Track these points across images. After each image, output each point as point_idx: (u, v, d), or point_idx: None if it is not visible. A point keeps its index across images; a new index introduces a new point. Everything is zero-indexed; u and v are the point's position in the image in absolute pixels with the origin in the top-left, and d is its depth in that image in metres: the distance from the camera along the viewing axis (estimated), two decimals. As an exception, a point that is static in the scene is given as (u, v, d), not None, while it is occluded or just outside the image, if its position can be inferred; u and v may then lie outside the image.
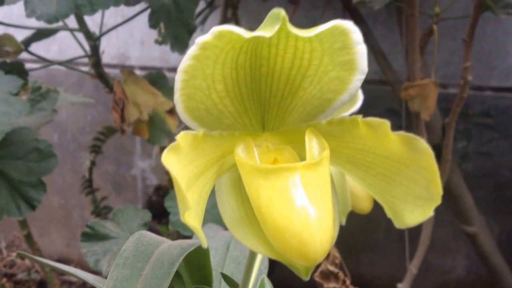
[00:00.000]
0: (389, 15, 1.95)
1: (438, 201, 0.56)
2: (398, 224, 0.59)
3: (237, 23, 1.88)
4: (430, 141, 1.72)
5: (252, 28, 0.52)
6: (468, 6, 1.48)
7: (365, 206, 1.16)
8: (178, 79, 0.54)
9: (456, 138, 1.88)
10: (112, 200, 2.17)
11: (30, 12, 1.24)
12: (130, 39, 2.17)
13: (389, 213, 0.60)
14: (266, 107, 0.61)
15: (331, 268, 1.34)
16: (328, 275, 1.35)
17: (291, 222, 0.53)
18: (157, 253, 0.76)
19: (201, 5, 1.92)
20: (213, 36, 0.51)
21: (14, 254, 2.25)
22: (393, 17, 1.79)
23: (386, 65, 1.80)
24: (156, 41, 1.36)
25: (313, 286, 1.40)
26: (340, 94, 0.59)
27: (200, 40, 0.51)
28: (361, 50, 0.55)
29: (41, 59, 1.56)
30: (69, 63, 1.58)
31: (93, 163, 1.95)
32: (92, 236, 1.29)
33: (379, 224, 2.30)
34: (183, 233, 1.34)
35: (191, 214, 0.53)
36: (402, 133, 0.56)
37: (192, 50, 0.52)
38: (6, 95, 1.27)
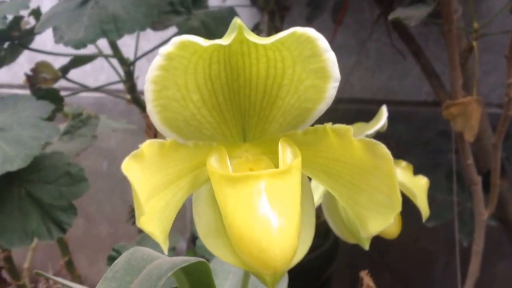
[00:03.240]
0: (442, 34, 1.89)
1: (398, 208, 0.55)
2: (364, 234, 0.59)
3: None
4: (483, 166, 1.64)
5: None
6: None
7: (391, 230, 1.10)
8: (148, 89, 0.55)
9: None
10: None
11: (59, 38, 1.27)
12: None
13: (358, 223, 0.60)
14: (246, 117, 0.61)
15: (366, 297, 1.28)
16: (362, 305, 1.29)
17: (252, 230, 0.53)
18: (148, 267, 0.76)
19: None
20: (175, 46, 0.52)
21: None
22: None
23: (439, 85, 1.74)
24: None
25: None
26: (318, 103, 0.59)
27: (163, 51, 0.52)
28: (330, 57, 0.55)
29: (79, 85, 1.59)
30: (103, 89, 1.60)
31: (140, 192, 1.94)
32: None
33: (437, 258, 2.21)
34: (208, 257, 1.31)
35: (147, 219, 0.54)
36: (363, 138, 0.56)
37: (157, 61, 0.53)
38: (36, 119, 1.29)
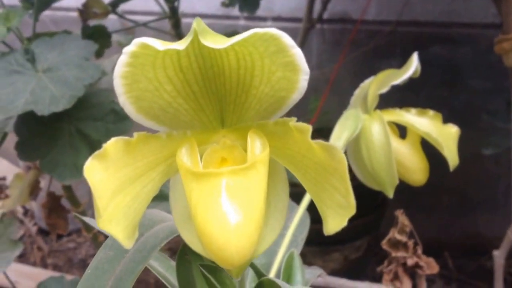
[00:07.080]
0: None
1: (352, 211, 0.57)
2: (325, 231, 0.60)
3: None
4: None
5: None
6: None
7: (417, 178, 1.10)
8: (118, 84, 0.56)
9: None
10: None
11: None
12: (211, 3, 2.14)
13: (322, 219, 0.60)
14: (223, 104, 0.61)
15: (399, 237, 1.29)
16: (396, 244, 1.30)
17: (211, 227, 0.55)
18: (146, 235, 0.78)
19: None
20: (137, 46, 0.52)
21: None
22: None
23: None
24: (223, 4, 1.35)
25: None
26: (292, 93, 0.59)
27: (126, 50, 0.53)
28: (297, 53, 0.55)
29: (126, 19, 1.61)
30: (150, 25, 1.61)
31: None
32: (155, 196, 1.34)
33: (499, 179, 2.16)
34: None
35: (108, 219, 0.57)
36: (320, 141, 0.56)
37: (123, 59, 0.53)
38: (80, 60, 1.34)
